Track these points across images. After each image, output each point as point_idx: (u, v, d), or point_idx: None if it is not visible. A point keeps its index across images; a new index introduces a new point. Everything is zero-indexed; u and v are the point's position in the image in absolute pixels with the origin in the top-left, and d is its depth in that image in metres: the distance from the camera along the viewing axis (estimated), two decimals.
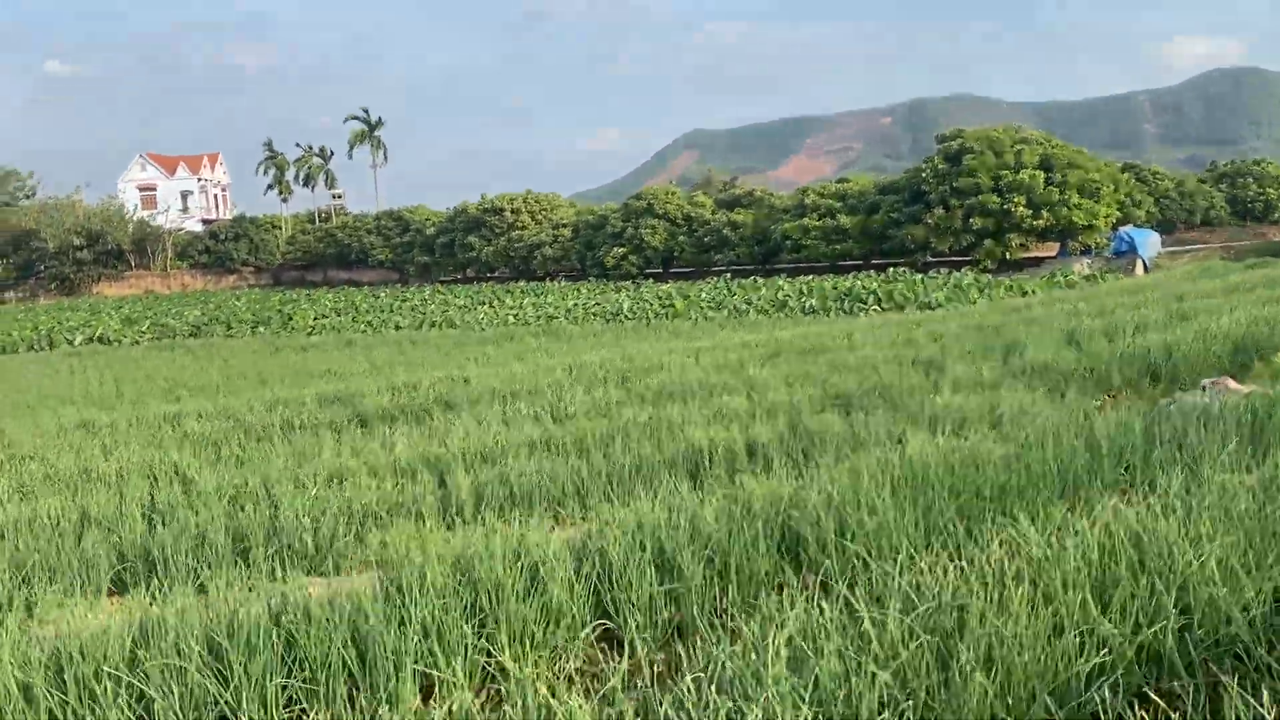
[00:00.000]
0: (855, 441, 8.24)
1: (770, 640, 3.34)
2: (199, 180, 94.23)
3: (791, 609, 3.68)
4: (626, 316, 40.24)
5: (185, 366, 30.67)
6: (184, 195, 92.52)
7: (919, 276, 45.62)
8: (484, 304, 50.17)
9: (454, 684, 3.69)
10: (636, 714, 3.21)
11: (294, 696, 3.93)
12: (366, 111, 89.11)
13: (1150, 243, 47.92)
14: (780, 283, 47.91)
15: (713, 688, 3.17)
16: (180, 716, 3.73)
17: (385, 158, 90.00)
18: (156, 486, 9.05)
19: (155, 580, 5.89)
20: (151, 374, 28.11)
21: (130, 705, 3.73)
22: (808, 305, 39.05)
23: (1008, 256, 49.18)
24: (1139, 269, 44.17)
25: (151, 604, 4.66)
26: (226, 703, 3.79)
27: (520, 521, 5.79)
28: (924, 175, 51.73)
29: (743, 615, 4.10)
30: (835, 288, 43.15)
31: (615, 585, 4.55)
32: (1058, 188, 47.96)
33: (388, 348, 32.52)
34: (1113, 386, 10.53)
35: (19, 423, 16.45)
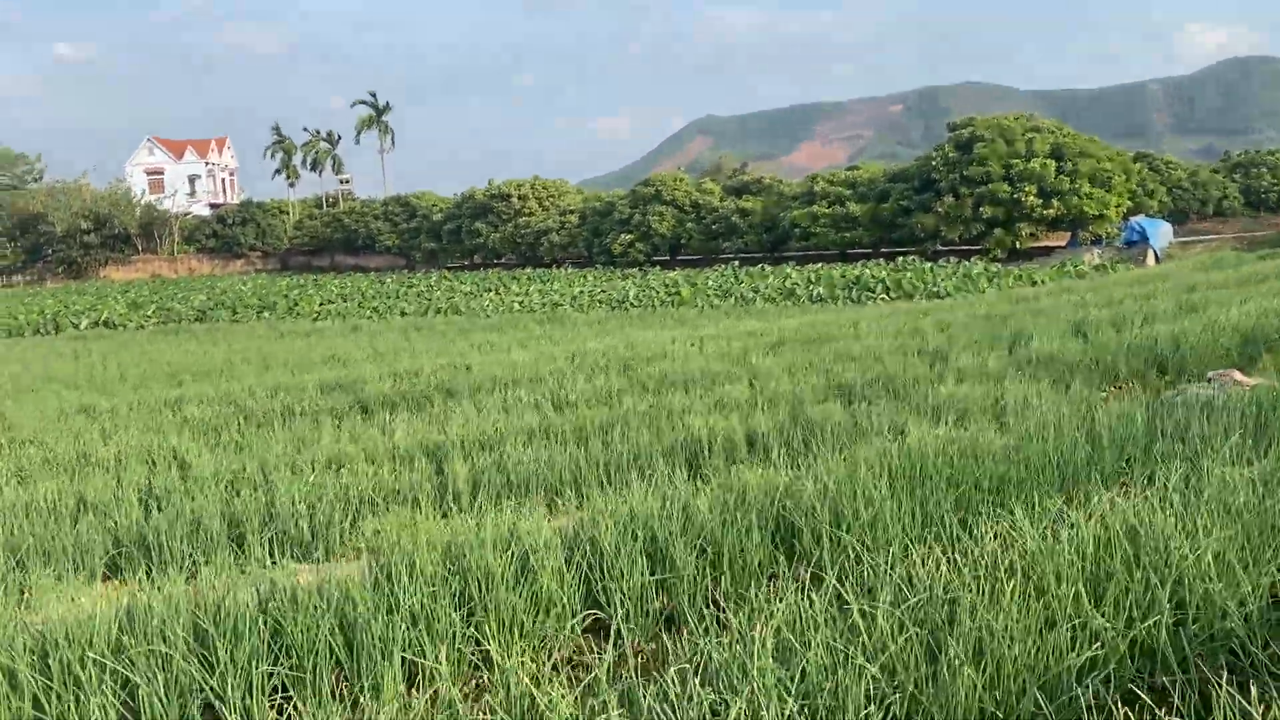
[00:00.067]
0: (856, 432, 8.19)
1: (758, 631, 3.31)
2: (206, 164, 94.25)
3: (781, 600, 3.65)
4: (632, 304, 40.16)
5: (189, 351, 30.72)
6: (191, 179, 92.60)
7: (928, 265, 45.33)
8: (490, 291, 50.12)
9: (439, 672, 3.66)
10: (620, 705, 3.18)
11: (280, 684, 3.92)
12: (374, 96, 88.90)
13: (1162, 233, 47.50)
14: (788, 270, 47.61)
15: (698, 679, 3.13)
16: (165, 702, 3.71)
17: (393, 143, 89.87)
18: (154, 471, 9.06)
19: (149, 565, 5.88)
20: (155, 358, 28.16)
21: (115, 691, 3.72)
22: (815, 294, 38.92)
23: (1018, 246, 48.81)
24: (1150, 259, 43.84)
25: (140, 590, 4.64)
26: (211, 689, 3.78)
27: (514, 510, 5.76)
28: (934, 163, 51.32)
29: (734, 606, 4.07)
30: (844, 276, 42.91)
31: (606, 575, 4.52)
32: (1069, 176, 47.53)
33: (392, 334, 32.56)
34: (1119, 378, 10.46)
35: (20, 407, 16.50)
